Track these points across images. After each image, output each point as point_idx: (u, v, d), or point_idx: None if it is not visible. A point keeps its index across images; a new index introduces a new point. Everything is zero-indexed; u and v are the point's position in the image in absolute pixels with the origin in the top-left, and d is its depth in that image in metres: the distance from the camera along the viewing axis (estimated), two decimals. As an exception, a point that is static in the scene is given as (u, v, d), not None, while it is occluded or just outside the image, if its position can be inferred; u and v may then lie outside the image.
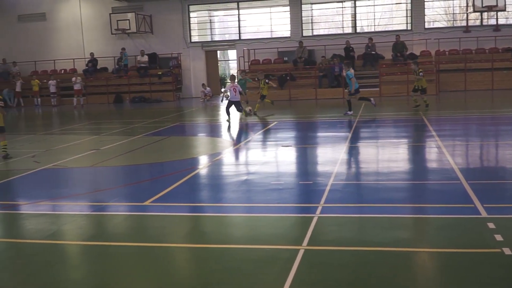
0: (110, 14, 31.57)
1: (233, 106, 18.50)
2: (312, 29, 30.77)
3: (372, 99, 19.29)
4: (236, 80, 19.54)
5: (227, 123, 18.04)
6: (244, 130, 17.11)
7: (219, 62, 34.58)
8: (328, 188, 8.53)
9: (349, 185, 9.04)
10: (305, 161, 11.72)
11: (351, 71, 19.14)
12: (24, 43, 33.43)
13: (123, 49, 31.69)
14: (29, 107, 30.79)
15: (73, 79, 29.54)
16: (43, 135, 17.69)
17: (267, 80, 20.47)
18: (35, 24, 33.35)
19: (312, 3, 30.73)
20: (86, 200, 8.82)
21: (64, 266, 6.06)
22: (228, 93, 18.70)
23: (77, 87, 29.35)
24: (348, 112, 18.35)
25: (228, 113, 18.46)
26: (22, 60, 33.04)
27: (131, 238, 6.81)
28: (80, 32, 32.88)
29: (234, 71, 34.85)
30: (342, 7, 30.55)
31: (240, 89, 18.82)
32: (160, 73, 30.84)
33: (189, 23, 31.99)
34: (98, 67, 32.15)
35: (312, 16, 30.99)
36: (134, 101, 30.18)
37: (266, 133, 15.71)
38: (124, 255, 6.23)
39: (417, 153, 11.89)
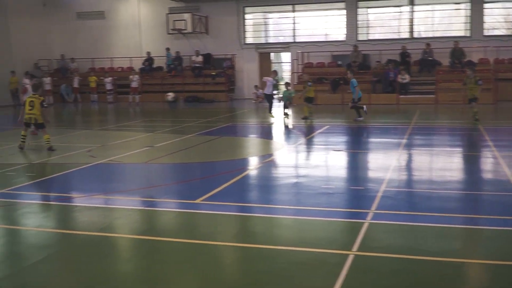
0: (167, 14, 32.09)
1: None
2: (367, 34, 30.49)
3: (364, 106, 19.29)
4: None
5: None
6: (295, 132, 17.12)
7: (272, 64, 34.67)
8: (379, 194, 8.46)
9: (402, 192, 8.94)
10: (357, 166, 11.65)
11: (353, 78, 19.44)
12: (82, 40, 34.33)
13: (167, 49, 32.26)
14: (86, 103, 31.62)
15: (131, 76, 30.29)
16: (99, 130, 18.16)
17: (309, 83, 20.45)
18: (93, 22, 34.20)
19: (368, 7, 30.45)
20: (138, 195, 9.03)
21: (115, 258, 6.25)
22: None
23: (134, 85, 30.10)
24: (358, 118, 18.70)
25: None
26: (80, 57, 33.94)
27: (181, 234, 6.95)
28: (138, 31, 33.55)
29: (287, 73, 34.92)
30: (399, 12, 30.14)
31: (271, 82, 20.32)
32: (214, 73, 31.16)
33: (244, 25, 32.20)
34: (154, 66, 32.72)
35: (368, 21, 30.70)
36: (188, 100, 30.61)
37: (318, 137, 15.68)
38: (173, 251, 6.36)
39: (472, 163, 11.65)
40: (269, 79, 20.33)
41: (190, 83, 31.57)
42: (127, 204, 8.37)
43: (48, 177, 10.78)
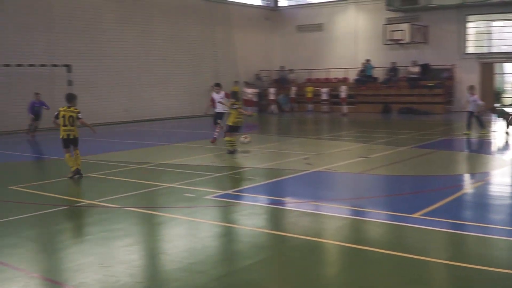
0: (384, 25, 31.94)
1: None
2: None
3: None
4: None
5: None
6: (521, 149, 15.88)
7: (495, 75, 32.52)
8: None
9: None
10: None
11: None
12: (301, 52, 35.68)
13: (367, 60, 32.07)
14: (301, 112, 32.79)
15: (341, 87, 30.96)
16: (314, 139, 18.72)
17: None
18: (312, 34, 35.38)
19: None
20: (351, 204, 9.16)
21: (322, 263, 6.43)
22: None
23: (342, 95, 30.71)
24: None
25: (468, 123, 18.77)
26: (298, 68, 35.32)
27: (392, 247, 6.86)
28: (354, 42, 33.90)
29: (510, 85, 32.50)
30: None
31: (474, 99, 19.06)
32: (431, 84, 30.20)
33: (465, 34, 30.71)
34: (372, 74, 32.71)
35: None
36: (401, 111, 30.09)
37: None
38: (382, 262, 6.34)
39: None
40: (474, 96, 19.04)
41: (405, 94, 30.97)
42: (340, 212, 8.52)
43: (268, 181, 11.42)
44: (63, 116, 11.74)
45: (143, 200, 9.72)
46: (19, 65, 22.37)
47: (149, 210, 8.86)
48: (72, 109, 11.87)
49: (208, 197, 9.66)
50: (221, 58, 32.91)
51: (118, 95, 26.96)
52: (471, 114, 18.92)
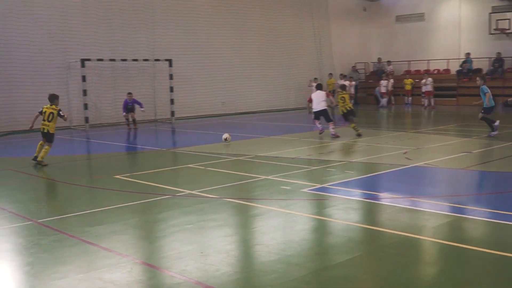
0: (489, 13, 30.52)
1: None
2: None
3: (496, 123, 16.60)
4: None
5: None
6: None
7: None
8: None
9: None
10: None
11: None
12: (399, 43, 34.83)
13: (467, 54, 30.64)
14: (398, 105, 32.01)
15: (423, 80, 29.85)
16: (413, 133, 18.24)
17: None
18: (412, 25, 34.40)
19: None
20: (451, 201, 8.83)
21: (420, 262, 6.24)
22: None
23: (427, 88, 29.63)
24: (492, 133, 16.51)
25: None
26: (397, 60, 34.48)
27: (491, 245, 6.53)
28: (457, 32, 32.64)
29: None
30: None
31: None
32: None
33: None
34: (473, 68, 31.43)
35: None
36: (507, 104, 28.62)
37: None
38: (482, 261, 6.09)
39: None
40: None
41: (510, 86, 29.48)
42: (440, 209, 8.24)
43: (365, 175, 11.25)
44: (44, 112, 13.42)
45: (240, 191, 9.88)
46: (123, 60, 23.36)
47: (246, 201, 8.99)
48: (53, 106, 13.44)
49: (305, 190, 9.67)
50: (317, 51, 32.74)
51: (215, 89, 27.52)
52: None
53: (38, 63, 21.76)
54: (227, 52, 28.12)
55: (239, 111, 28.35)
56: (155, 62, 24.67)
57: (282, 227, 7.47)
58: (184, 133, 20.45)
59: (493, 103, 17.08)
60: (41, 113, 13.48)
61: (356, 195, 9.36)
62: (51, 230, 7.48)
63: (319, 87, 18.35)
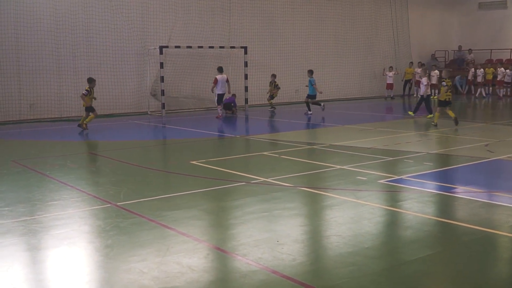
0: None
1: None
2: None
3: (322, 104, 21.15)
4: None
5: None
6: None
7: None
8: None
9: None
10: None
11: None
12: (481, 31, 33.44)
13: None
14: (474, 95, 30.86)
15: (500, 69, 28.68)
16: (494, 124, 17.49)
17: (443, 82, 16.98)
18: (495, 12, 32.96)
19: None
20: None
21: (501, 259, 5.99)
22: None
23: (499, 78, 28.87)
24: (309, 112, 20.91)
25: None
26: (478, 48, 33.16)
27: None
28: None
29: None
30: None
31: None
32: None
33: None
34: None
35: None
36: None
37: None
38: None
39: None
40: None
41: None
42: (530, 205, 7.85)
43: (444, 168, 10.87)
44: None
45: (315, 181, 9.77)
46: (200, 47, 23.59)
47: (321, 190, 8.87)
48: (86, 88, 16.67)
49: (381, 181, 9.46)
50: (394, 39, 31.95)
51: (289, 76, 27.34)
52: None
53: (117, 49, 22.30)
54: (302, 39, 27.85)
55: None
56: (230, 49, 24.77)
57: (359, 219, 7.30)
58: (258, 120, 20.47)
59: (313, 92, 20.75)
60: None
61: (434, 188, 9.07)
62: (130, 213, 7.63)
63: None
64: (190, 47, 23.27)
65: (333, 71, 29.22)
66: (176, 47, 22.93)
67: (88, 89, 16.59)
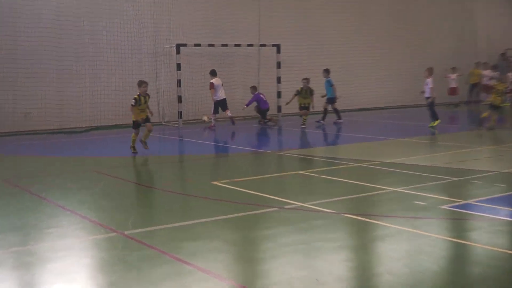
0: None
1: None
2: None
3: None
4: None
5: None
6: None
7: None
8: None
9: None
10: None
11: None
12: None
13: None
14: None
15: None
16: None
17: None
18: None
19: None
20: None
21: None
22: None
23: None
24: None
25: None
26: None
27: None
28: None
29: None
30: None
31: None
32: None
33: None
34: None
35: None
36: None
37: None
38: None
39: None
40: None
41: None
42: None
43: (520, 190, 10.67)
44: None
45: (362, 206, 9.64)
46: (224, 45, 23.65)
47: (370, 218, 8.71)
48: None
49: (444, 206, 9.29)
50: (457, 36, 31.73)
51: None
52: None
53: (125, 49, 22.47)
54: (343, 38, 27.90)
55: (356, 107, 27.96)
56: (260, 47, 24.79)
57: (417, 253, 7.14)
58: (292, 132, 20.39)
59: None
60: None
61: (508, 215, 8.86)
62: (139, 244, 7.57)
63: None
64: (213, 45, 23.34)
65: (381, 73, 29.10)
66: (196, 45, 23.03)
67: (137, 97, 14.98)
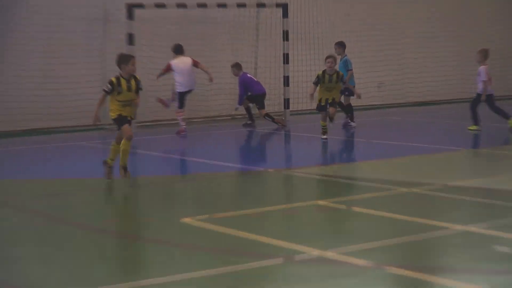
0: None
1: None
2: None
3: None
4: None
5: None
6: None
7: None
8: None
9: None
10: None
11: None
12: None
13: None
14: None
15: None
16: None
17: None
18: None
19: None
20: None
21: None
22: None
23: None
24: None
25: None
26: None
27: None
28: None
29: None
30: None
31: None
32: None
33: None
34: None
35: None
36: None
37: None
38: None
39: None
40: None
41: None
42: None
43: None
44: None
45: (415, 255, 9.62)
46: (201, 6, 23.66)
47: (427, 274, 8.62)
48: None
49: (541, 255, 9.27)
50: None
51: (365, 62, 27.46)
52: None
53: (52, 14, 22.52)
54: (397, 27, 29.46)
55: (399, 102, 28.31)
56: (258, 9, 24.80)
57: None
58: (304, 139, 20.42)
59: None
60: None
61: None
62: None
63: None
64: (185, 6, 23.29)
65: (431, 66, 30.42)
66: (158, 6, 22.98)
67: (115, 80, 14.03)
